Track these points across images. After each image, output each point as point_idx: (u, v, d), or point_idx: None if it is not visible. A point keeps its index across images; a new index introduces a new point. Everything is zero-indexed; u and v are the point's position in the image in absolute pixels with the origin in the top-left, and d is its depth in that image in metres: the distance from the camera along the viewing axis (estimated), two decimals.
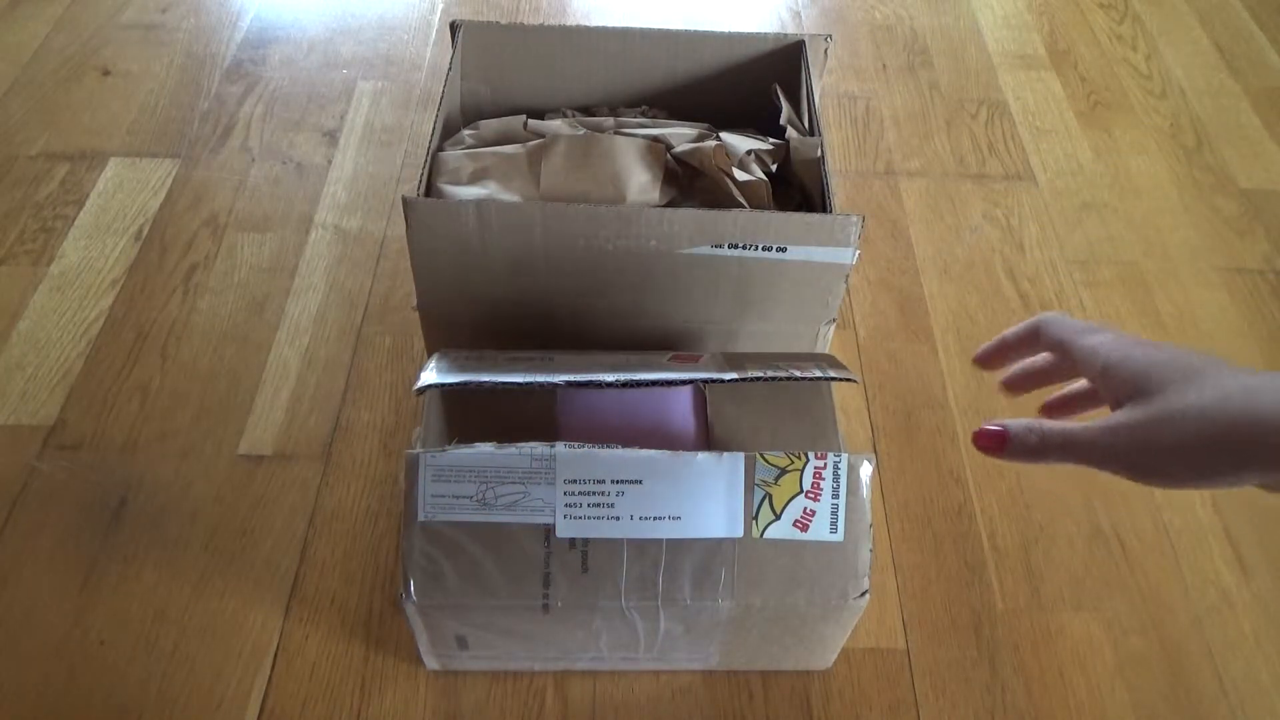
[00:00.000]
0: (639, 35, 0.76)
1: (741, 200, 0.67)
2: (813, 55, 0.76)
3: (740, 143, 0.69)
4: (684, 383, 0.59)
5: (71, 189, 0.99)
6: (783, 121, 0.72)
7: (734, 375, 0.57)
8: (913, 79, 1.20)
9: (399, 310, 0.90)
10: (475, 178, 0.69)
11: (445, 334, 0.70)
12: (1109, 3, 1.34)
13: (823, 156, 0.67)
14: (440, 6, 1.26)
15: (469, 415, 0.61)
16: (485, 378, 0.56)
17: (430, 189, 0.69)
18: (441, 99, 0.70)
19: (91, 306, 0.88)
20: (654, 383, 0.56)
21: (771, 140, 0.72)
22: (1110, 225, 1.02)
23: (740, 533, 0.55)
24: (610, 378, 0.55)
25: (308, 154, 1.04)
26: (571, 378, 0.55)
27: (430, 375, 0.58)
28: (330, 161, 1.04)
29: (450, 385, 0.56)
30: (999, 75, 1.21)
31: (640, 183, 0.68)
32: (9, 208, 0.97)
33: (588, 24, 1.26)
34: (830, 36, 0.76)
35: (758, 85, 0.78)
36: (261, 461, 0.78)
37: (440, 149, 0.72)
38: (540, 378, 0.55)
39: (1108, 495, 0.79)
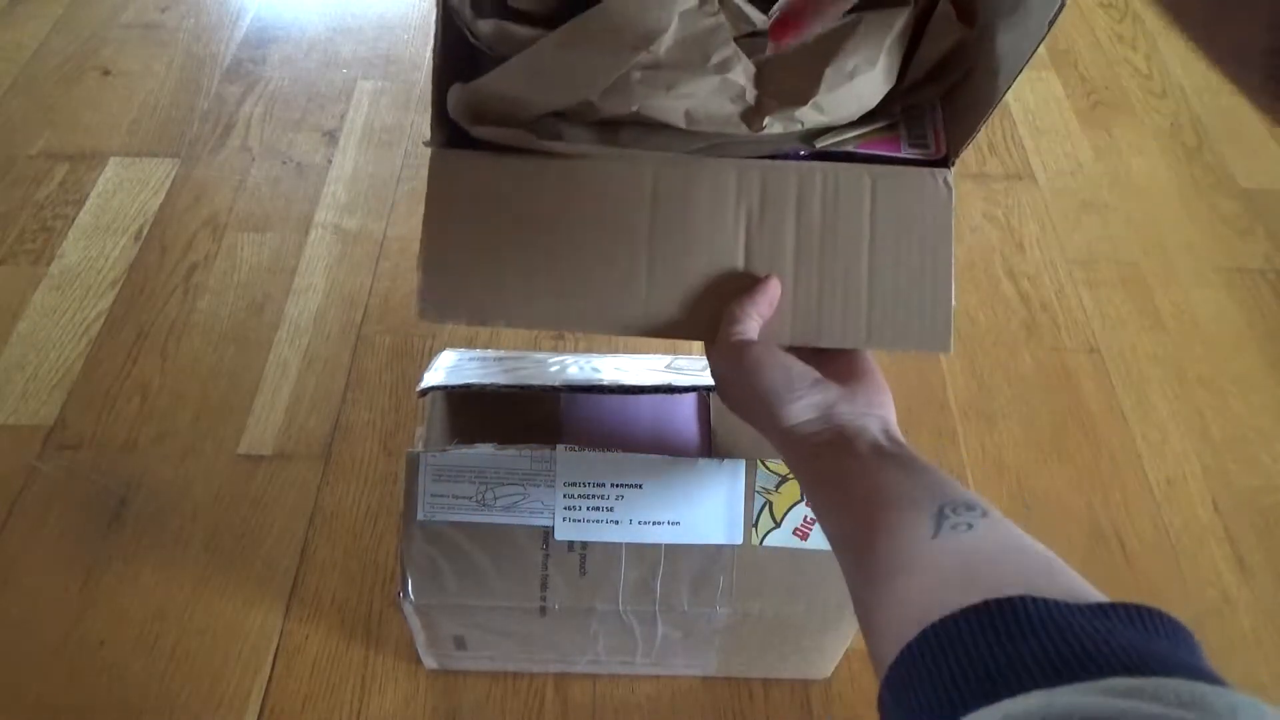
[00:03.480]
0: None
1: None
2: None
3: None
4: (687, 389, 0.58)
5: (71, 189, 0.99)
6: None
7: None
8: None
9: (399, 310, 0.89)
10: None
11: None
12: (1109, 2, 1.34)
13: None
14: None
15: (472, 417, 0.61)
16: (489, 380, 0.56)
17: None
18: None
19: (91, 306, 0.88)
20: (656, 389, 0.56)
21: None
22: (1110, 225, 1.02)
23: (740, 540, 0.55)
24: (613, 383, 0.55)
25: (308, 154, 1.04)
26: (575, 382, 0.55)
27: (435, 376, 0.58)
28: (330, 161, 1.04)
29: (454, 387, 0.56)
30: None
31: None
32: (9, 208, 0.97)
33: None
34: None
35: None
36: (261, 461, 0.78)
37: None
38: (543, 382, 0.55)
39: (1108, 495, 0.79)
